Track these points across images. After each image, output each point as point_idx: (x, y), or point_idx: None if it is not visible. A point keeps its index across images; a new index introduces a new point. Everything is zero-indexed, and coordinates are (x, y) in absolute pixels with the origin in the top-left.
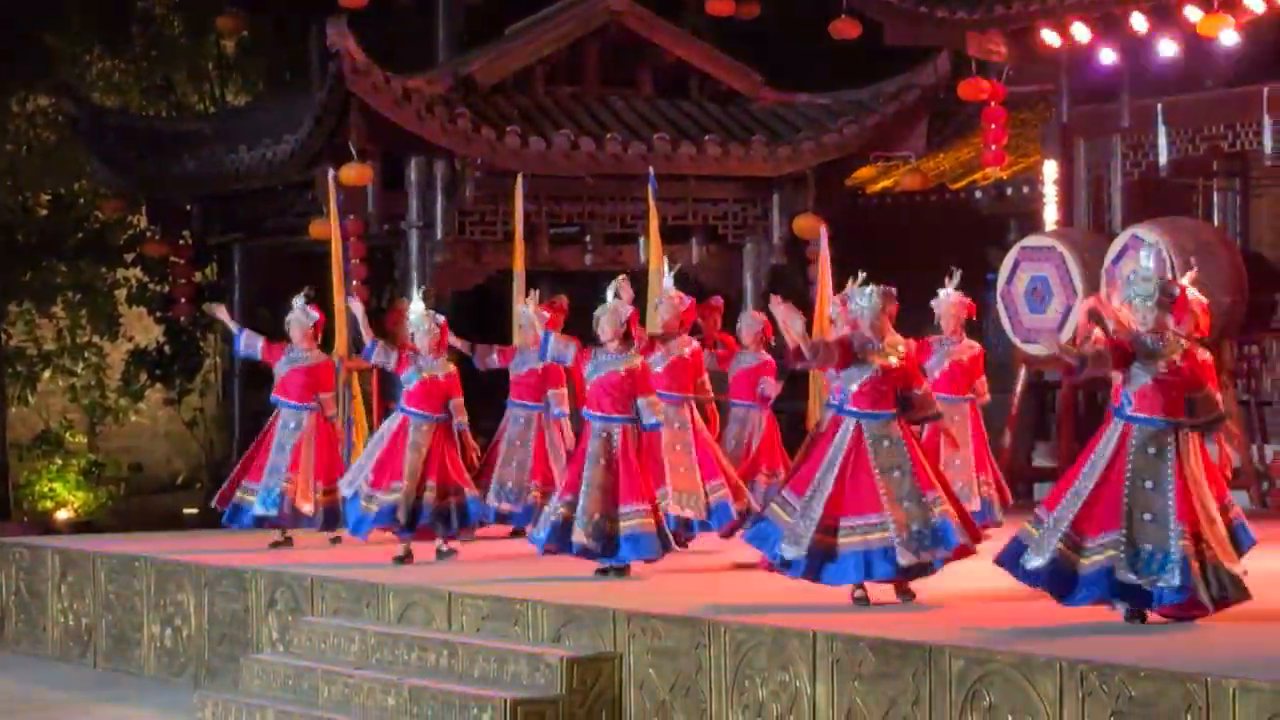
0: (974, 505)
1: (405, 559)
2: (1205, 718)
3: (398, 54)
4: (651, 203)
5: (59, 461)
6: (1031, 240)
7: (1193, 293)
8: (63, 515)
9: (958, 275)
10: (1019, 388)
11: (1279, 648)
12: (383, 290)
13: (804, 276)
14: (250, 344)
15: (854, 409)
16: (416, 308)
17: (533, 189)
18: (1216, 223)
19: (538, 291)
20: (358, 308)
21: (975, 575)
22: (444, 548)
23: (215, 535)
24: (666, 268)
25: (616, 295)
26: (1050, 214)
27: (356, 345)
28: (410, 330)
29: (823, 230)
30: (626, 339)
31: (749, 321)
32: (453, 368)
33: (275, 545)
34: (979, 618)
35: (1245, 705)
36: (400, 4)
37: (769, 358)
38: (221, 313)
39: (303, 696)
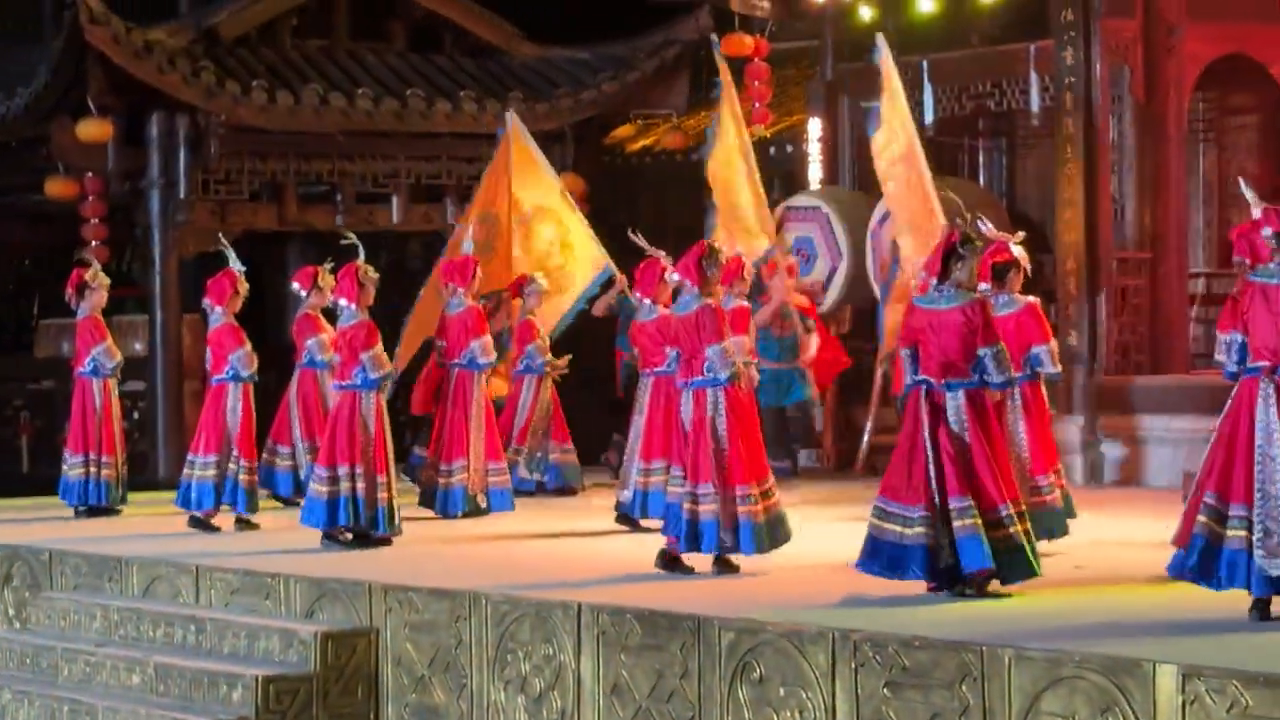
0: None
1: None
2: (981, 687)
3: (138, 4)
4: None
5: None
6: (796, 200)
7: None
8: None
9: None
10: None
11: (1053, 617)
12: (123, 252)
13: None
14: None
15: None
16: None
17: (281, 146)
18: (982, 182)
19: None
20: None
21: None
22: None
23: None
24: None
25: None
26: (814, 173)
27: None
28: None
29: None
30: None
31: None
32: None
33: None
34: (748, 588)
35: (1021, 674)
36: None
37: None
38: None
39: (41, 676)
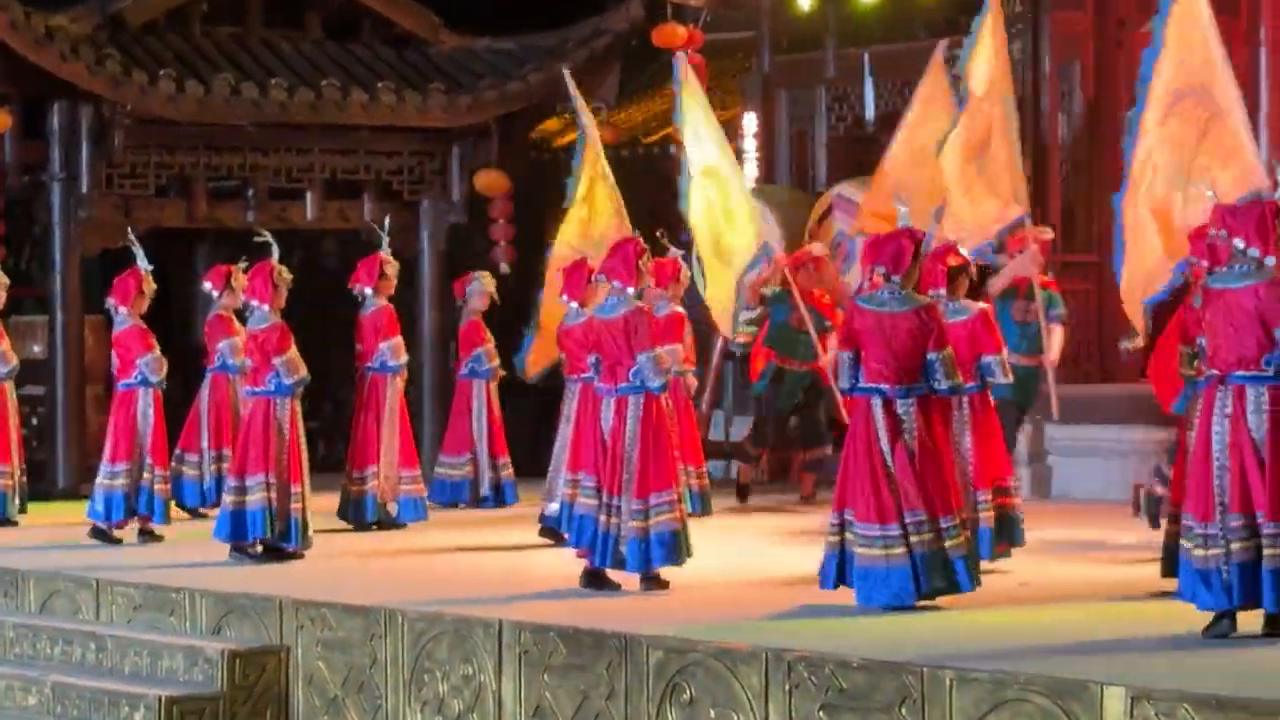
0: None
1: None
2: (921, 710)
3: None
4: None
5: None
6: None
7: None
8: None
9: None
10: (715, 357)
11: (997, 636)
12: (21, 249)
13: (485, 236)
14: None
15: None
16: None
17: (190, 139)
18: None
19: None
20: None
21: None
22: None
23: None
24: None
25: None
26: (750, 170)
27: None
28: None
29: None
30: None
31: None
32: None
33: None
34: (678, 606)
35: (963, 697)
36: None
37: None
38: None
39: None
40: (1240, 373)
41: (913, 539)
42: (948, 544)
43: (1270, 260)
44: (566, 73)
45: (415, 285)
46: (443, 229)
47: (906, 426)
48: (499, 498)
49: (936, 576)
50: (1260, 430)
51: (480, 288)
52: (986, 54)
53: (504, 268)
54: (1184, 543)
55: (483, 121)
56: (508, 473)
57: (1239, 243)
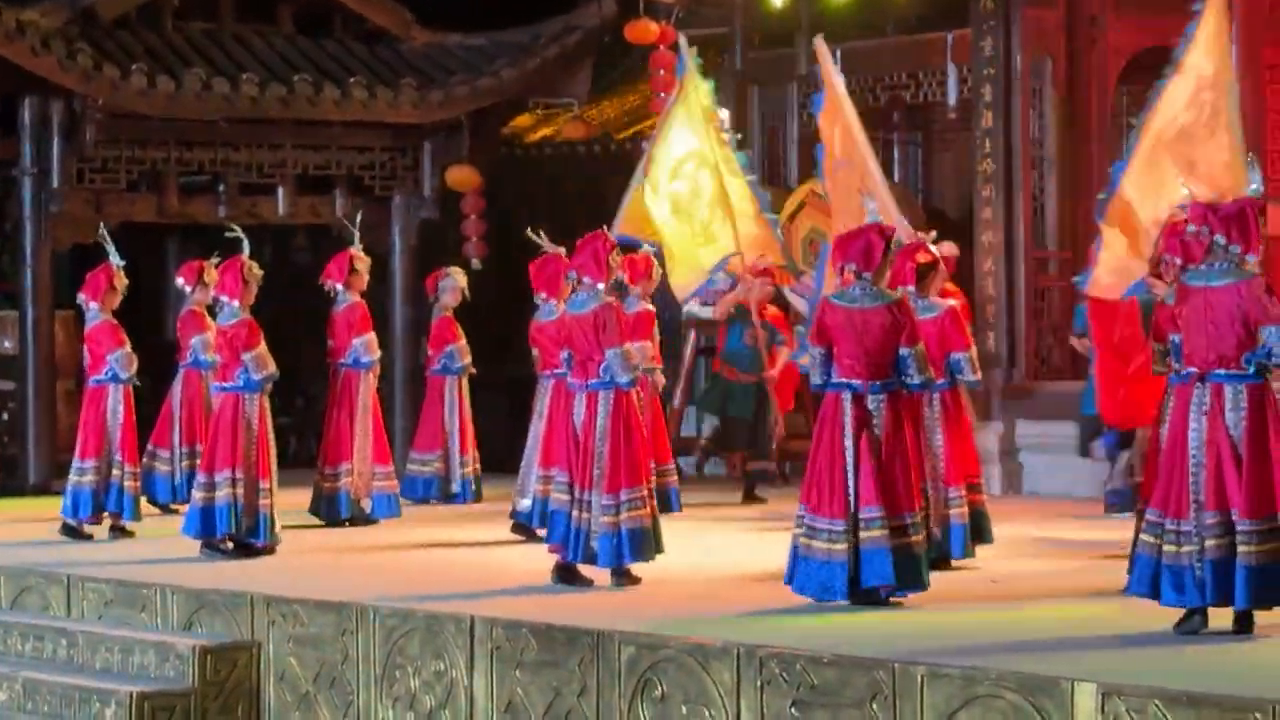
0: None
1: None
2: (893, 706)
3: None
4: None
5: None
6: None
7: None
8: None
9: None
10: (688, 353)
11: (968, 633)
12: None
13: (457, 232)
14: None
15: None
16: None
17: (161, 134)
18: (897, 178)
19: None
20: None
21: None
22: None
23: None
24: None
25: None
26: None
27: None
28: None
29: None
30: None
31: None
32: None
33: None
34: (650, 601)
35: (934, 693)
36: None
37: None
38: None
39: None
40: (1220, 371)
41: (862, 534)
42: (909, 540)
43: (1251, 258)
44: (682, 38)
45: (387, 281)
46: (414, 224)
47: (876, 421)
48: (467, 493)
49: (891, 571)
50: (1238, 428)
51: (452, 284)
52: (1210, 43)
53: (475, 263)
54: (1147, 538)
55: (454, 117)
56: (470, 470)
57: (1220, 239)
